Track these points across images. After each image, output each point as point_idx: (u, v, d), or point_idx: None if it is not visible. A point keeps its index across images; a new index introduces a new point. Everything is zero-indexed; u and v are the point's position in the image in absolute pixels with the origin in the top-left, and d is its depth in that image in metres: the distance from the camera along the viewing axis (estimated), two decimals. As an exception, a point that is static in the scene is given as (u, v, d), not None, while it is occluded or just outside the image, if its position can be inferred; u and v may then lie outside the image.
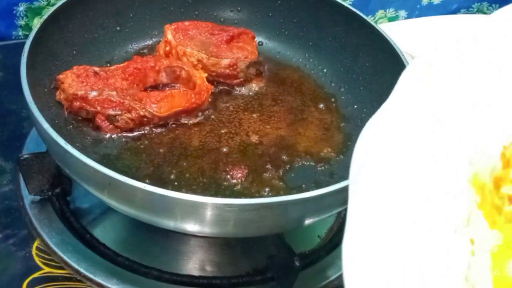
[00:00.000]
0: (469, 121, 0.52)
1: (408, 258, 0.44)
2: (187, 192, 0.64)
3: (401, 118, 0.49)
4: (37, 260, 0.74)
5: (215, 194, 0.72)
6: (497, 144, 0.53)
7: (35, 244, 0.76)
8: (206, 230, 0.64)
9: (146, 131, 0.79)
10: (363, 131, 0.48)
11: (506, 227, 0.50)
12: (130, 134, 0.78)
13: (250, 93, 0.89)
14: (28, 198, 0.79)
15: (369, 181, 0.47)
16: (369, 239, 0.45)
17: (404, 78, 0.50)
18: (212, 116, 0.84)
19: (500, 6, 1.41)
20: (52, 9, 0.79)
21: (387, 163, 0.47)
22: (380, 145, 0.47)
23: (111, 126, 0.77)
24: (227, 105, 0.87)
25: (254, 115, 0.86)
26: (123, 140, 0.77)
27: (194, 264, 0.77)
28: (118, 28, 0.91)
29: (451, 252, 0.46)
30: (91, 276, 0.72)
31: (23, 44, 0.73)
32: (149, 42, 0.94)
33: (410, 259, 0.44)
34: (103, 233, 0.78)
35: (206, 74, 0.85)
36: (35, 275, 0.72)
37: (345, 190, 0.64)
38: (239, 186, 0.75)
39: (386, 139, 0.48)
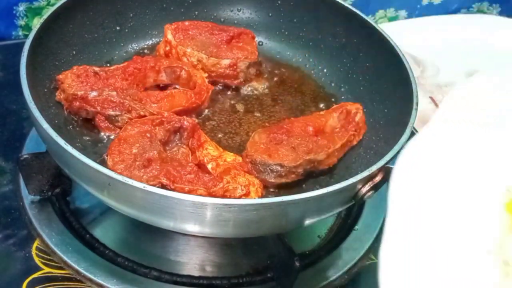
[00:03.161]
0: (508, 148, 0.53)
1: (441, 275, 0.45)
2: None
3: (440, 143, 0.51)
4: (37, 260, 0.74)
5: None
6: None
7: (35, 244, 0.75)
8: (206, 230, 0.64)
9: (146, 131, 0.79)
10: (405, 148, 0.51)
11: None
12: (130, 134, 0.78)
13: (250, 93, 0.89)
14: (28, 198, 0.79)
15: (409, 201, 0.49)
16: (406, 254, 0.46)
17: (444, 103, 0.53)
18: (212, 116, 0.84)
19: (500, 6, 1.42)
20: (52, 9, 0.79)
21: (426, 186, 0.49)
22: (421, 165, 0.50)
23: (111, 126, 0.77)
24: (227, 105, 0.87)
25: (254, 115, 0.86)
26: (123, 140, 0.77)
27: (194, 264, 0.77)
28: (118, 28, 0.91)
29: (483, 272, 0.47)
30: (91, 276, 0.72)
31: (23, 44, 0.73)
32: (149, 42, 0.94)
33: (444, 277, 0.45)
34: (103, 233, 0.78)
35: (206, 74, 0.85)
36: (35, 275, 0.72)
37: (345, 190, 0.64)
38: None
39: (427, 160, 0.50)
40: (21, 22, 1.08)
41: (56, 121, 0.75)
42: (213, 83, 0.87)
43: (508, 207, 0.51)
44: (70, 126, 0.77)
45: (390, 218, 0.48)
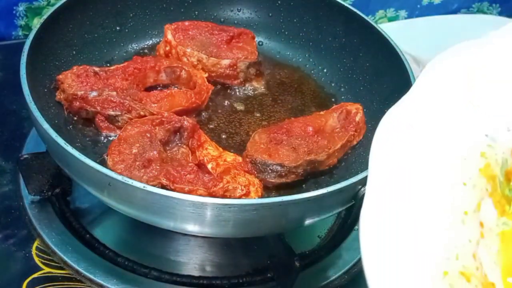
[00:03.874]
0: (483, 116, 0.54)
1: (418, 238, 0.45)
2: (187, 192, 0.64)
3: (418, 110, 0.52)
4: (37, 260, 0.74)
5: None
6: (509, 140, 0.54)
7: (35, 244, 0.75)
8: (206, 230, 0.64)
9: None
10: (385, 116, 0.51)
11: None
12: (130, 134, 0.78)
13: (250, 93, 0.89)
14: (28, 198, 0.79)
15: (387, 166, 0.49)
16: (384, 216, 0.46)
17: (424, 73, 0.53)
18: (212, 116, 0.84)
19: (500, 6, 1.41)
20: (52, 9, 0.79)
21: (404, 149, 0.50)
22: (398, 131, 0.50)
23: (111, 126, 0.77)
24: (227, 105, 0.87)
25: (254, 115, 0.86)
26: (123, 140, 0.77)
27: (194, 264, 0.77)
28: (118, 28, 0.91)
29: (460, 232, 0.48)
30: (91, 276, 0.72)
31: (23, 44, 0.73)
32: (149, 42, 0.94)
33: (421, 239, 0.46)
34: (103, 233, 0.78)
35: (206, 74, 0.85)
36: (35, 275, 0.72)
37: (345, 190, 0.64)
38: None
39: (404, 127, 0.50)
40: (21, 22, 1.08)
41: (56, 121, 0.75)
42: (213, 83, 0.87)
43: (484, 171, 0.52)
44: (70, 126, 0.77)
45: (370, 183, 0.48)
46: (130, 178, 0.59)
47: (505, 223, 0.51)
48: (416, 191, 0.48)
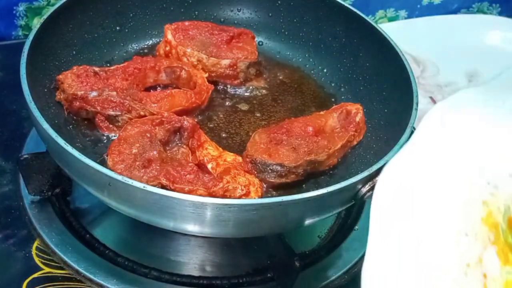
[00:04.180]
0: (485, 163, 0.54)
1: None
2: (187, 192, 0.64)
3: (419, 159, 0.53)
4: (37, 260, 0.74)
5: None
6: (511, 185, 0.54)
7: (35, 244, 0.75)
8: (206, 230, 0.64)
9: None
10: (385, 167, 0.52)
11: None
12: (130, 134, 0.78)
13: (250, 93, 0.89)
14: (28, 198, 0.79)
15: (390, 219, 0.49)
16: (388, 270, 0.46)
17: (423, 123, 0.53)
18: (212, 116, 0.84)
19: (500, 6, 1.41)
20: (52, 9, 0.79)
21: (405, 200, 0.50)
22: (399, 182, 0.50)
23: (111, 126, 0.77)
24: (227, 105, 0.86)
25: (254, 115, 0.86)
26: (123, 140, 0.77)
27: (194, 264, 0.77)
28: (118, 28, 0.91)
29: (464, 286, 0.48)
30: (91, 276, 0.72)
31: (23, 44, 0.73)
32: (149, 42, 0.94)
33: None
34: (103, 233, 0.78)
35: (207, 74, 0.85)
36: (35, 275, 0.72)
37: (345, 190, 0.64)
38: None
39: (405, 178, 0.51)
40: (21, 22, 1.08)
41: (56, 121, 0.75)
42: (213, 83, 0.87)
43: (486, 220, 0.52)
44: (70, 126, 0.77)
45: (372, 235, 0.48)
46: (130, 178, 0.59)
47: (509, 272, 0.51)
48: (418, 244, 0.48)
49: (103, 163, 0.64)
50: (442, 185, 0.52)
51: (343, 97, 0.90)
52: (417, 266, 0.48)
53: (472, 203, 0.52)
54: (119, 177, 0.59)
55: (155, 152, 0.69)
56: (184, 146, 0.74)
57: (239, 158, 0.74)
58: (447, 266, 0.48)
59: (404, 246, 0.48)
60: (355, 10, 0.89)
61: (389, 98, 0.83)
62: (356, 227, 0.84)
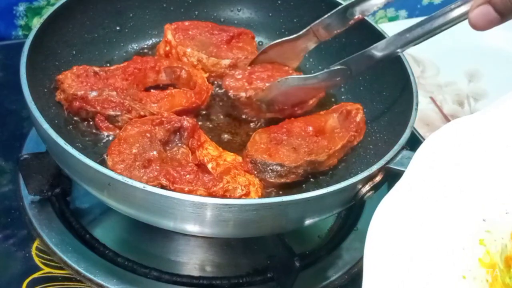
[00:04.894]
0: (480, 198, 0.54)
1: None
2: (187, 192, 0.64)
3: (413, 197, 0.52)
4: (37, 260, 0.74)
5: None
6: (508, 223, 0.54)
7: (35, 244, 0.75)
8: (206, 230, 0.64)
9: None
10: (378, 207, 0.51)
11: None
12: (130, 134, 0.78)
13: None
14: (28, 198, 0.79)
15: (383, 258, 0.49)
16: None
17: (416, 158, 0.53)
18: (212, 116, 0.84)
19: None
20: (52, 9, 0.79)
21: (400, 240, 0.50)
22: (393, 221, 0.50)
23: (111, 126, 0.77)
24: (227, 105, 0.86)
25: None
26: (123, 140, 0.77)
27: (194, 264, 0.77)
28: (118, 28, 0.91)
29: None
30: (91, 276, 0.72)
31: (23, 44, 0.73)
32: (149, 42, 0.94)
33: None
34: (103, 233, 0.78)
35: (207, 74, 0.85)
36: (35, 275, 0.72)
37: (345, 190, 0.64)
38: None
39: (399, 216, 0.50)
40: (21, 22, 1.08)
41: (56, 121, 0.75)
42: (213, 83, 0.87)
43: (483, 261, 0.52)
44: (70, 126, 0.77)
45: (366, 275, 0.48)
46: (130, 178, 0.59)
47: None
48: (413, 285, 0.48)
49: (103, 163, 0.64)
50: (439, 220, 0.52)
51: (343, 97, 0.90)
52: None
53: (469, 243, 0.52)
54: (119, 177, 0.59)
55: (155, 152, 0.69)
56: (184, 146, 0.74)
57: (239, 158, 0.74)
58: None
59: (399, 283, 0.48)
60: (355, 10, 0.89)
61: (389, 98, 0.83)
62: (356, 227, 0.84)
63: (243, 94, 0.80)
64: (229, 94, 0.80)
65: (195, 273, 0.75)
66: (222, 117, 0.84)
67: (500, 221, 0.53)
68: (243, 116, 0.83)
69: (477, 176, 0.55)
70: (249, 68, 0.84)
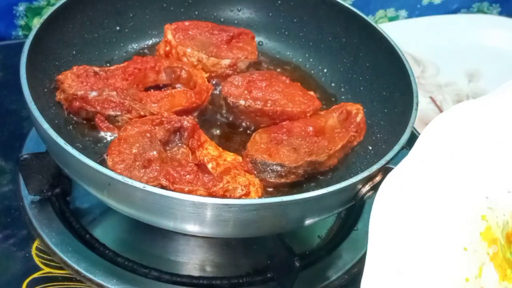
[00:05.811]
0: (483, 178, 0.54)
1: None
2: (187, 192, 0.64)
3: (417, 173, 0.53)
4: (36, 260, 0.74)
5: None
6: (510, 202, 0.54)
7: (35, 244, 0.75)
8: (206, 230, 0.64)
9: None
10: (387, 177, 0.52)
11: None
12: (130, 134, 0.78)
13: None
14: (28, 198, 0.79)
15: (387, 232, 0.50)
16: (386, 283, 0.46)
17: (423, 135, 0.53)
18: (212, 116, 0.84)
19: (500, 6, 1.41)
20: (52, 9, 0.79)
21: (404, 214, 0.50)
22: (398, 196, 0.50)
23: (111, 126, 0.77)
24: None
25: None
26: (123, 140, 0.77)
27: (194, 264, 0.77)
28: (118, 28, 0.91)
29: None
30: (91, 276, 0.72)
31: (23, 44, 0.73)
32: (149, 42, 0.94)
33: None
34: (103, 233, 0.78)
35: (207, 74, 0.85)
36: (35, 275, 0.72)
37: (345, 190, 0.64)
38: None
39: (404, 191, 0.51)
40: (21, 22, 1.08)
41: (56, 121, 0.75)
42: (213, 83, 0.87)
43: (485, 234, 0.52)
44: (70, 126, 0.77)
45: (370, 249, 0.48)
46: (130, 178, 0.59)
47: None
48: (416, 258, 0.48)
49: (103, 163, 0.64)
50: (442, 198, 0.53)
51: (343, 97, 0.90)
52: (416, 281, 0.48)
53: (471, 217, 0.52)
54: (119, 177, 0.59)
55: (155, 152, 0.69)
56: (184, 146, 0.74)
57: (239, 158, 0.74)
58: (445, 281, 0.48)
59: (403, 259, 0.48)
60: (355, 10, 0.89)
61: (389, 98, 0.83)
62: (356, 227, 0.84)
63: (242, 102, 0.79)
64: (228, 101, 0.80)
65: (195, 273, 0.75)
66: (222, 117, 0.84)
67: (502, 199, 0.54)
68: (242, 124, 0.83)
69: (481, 157, 0.56)
70: (248, 74, 0.83)
